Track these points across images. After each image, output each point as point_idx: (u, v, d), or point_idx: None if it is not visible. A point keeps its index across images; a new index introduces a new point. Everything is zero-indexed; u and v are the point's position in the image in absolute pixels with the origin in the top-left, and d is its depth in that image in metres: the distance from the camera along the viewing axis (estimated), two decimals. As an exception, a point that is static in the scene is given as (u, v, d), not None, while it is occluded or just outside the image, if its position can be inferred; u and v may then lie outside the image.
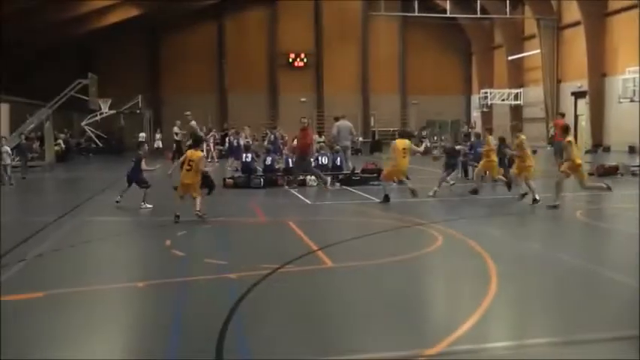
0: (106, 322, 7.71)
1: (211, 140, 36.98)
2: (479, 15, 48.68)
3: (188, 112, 33.31)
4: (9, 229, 13.68)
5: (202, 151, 15.78)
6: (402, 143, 17.77)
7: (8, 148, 23.59)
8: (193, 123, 32.43)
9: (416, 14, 47.73)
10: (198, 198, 14.42)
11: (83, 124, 47.03)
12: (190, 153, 14.63)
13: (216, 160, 35.47)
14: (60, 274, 10.26)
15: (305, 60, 57.87)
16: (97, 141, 47.70)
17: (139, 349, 6.77)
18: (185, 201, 14.54)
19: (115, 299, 8.73)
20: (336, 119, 26.54)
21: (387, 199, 17.31)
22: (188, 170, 14.34)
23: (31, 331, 7.22)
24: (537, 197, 16.19)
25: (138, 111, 48.28)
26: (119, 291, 9.11)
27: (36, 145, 36.38)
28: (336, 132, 25.63)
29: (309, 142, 22.32)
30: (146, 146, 14.97)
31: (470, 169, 23.75)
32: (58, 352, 6.64)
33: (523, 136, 17.48)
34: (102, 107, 44.40)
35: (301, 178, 21.88)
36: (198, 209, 14.27)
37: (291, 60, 57.82)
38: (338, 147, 25.25)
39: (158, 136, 47.36)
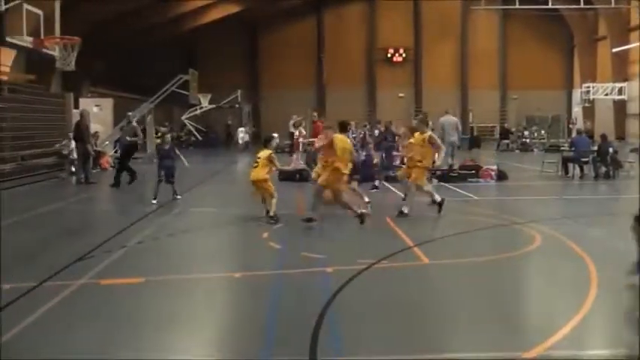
0: (202, 309, 7.89)
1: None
2: (582, 5, 47.18)
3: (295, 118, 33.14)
4: (112, 217, 14.11)
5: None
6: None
7: (74, 143, 23.63)
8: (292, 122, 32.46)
9: (517, 6, 46.61)
10: (271, 200, 14.01)
11: (183, 117, 47.96)
12: (261, 152, 14.43)
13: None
14: (159, 262, 10.56)
15: (404, 55, 57.51)
16: (197, 134, 48.54)
17: (234, 338, 6.88)
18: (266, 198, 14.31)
19: (212, 288, 8.92)
20: (417, 114, 26.27)
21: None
22: (255, 167, 14.23)
23: (131, 315, 7.46)
24: (438, 199, 14.80)
25: (237, 105, 48.93)
26: (216, 280, 9.30)
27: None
28: (441, 128, 25.25)
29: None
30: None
31: (570, 166, 23.06)
32: (156, 335, 6.82)
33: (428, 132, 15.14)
34: (202, 102, 45.13)
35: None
36: (270, 211, 13.93)
37: (389, 55, 57.53)
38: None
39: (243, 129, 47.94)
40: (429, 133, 15.03)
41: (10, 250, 11.34)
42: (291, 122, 36.29)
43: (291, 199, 17.39)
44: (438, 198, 14.79)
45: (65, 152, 24.52)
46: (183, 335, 6.96)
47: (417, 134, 14.90)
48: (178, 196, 17.16)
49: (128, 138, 21.81)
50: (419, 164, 14.62)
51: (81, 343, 6.61)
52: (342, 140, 13.07)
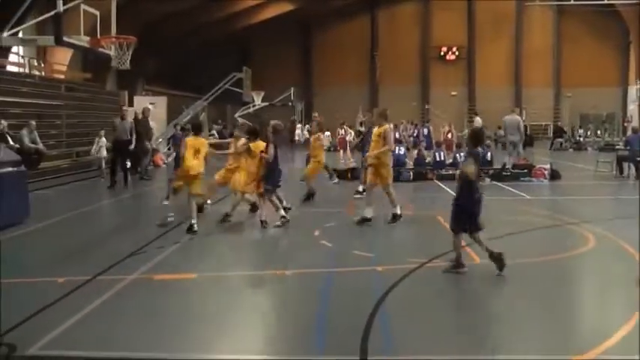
0: (253, 306, 7.94)
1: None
2: (638, 0, 46.29)
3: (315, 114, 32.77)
4: (164, 213, 14.28)
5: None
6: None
7: (105, 140, 23.25)
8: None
9: (571, 2, 45.96)
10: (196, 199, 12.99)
11: (236, 115, 48.32)
12: (254, 145, 13.48)
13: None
14: (211, 258, 10.69)
15: (457, 53, 57.20)
16: (251, 132, 48.79)
17: (284, 336, 6.92)
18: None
19: (263, 285, 9.00)
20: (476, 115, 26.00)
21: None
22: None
23: (183, 310, 7.57)
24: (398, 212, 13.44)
25: (290, 103, 49.09)
26: (267, 277, 9.36)
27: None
28: (503, 127, 25.00)
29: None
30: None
31: (625, 165, 22.63)
32: (206, 331, 6.88)
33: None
34: (255, 99, 45.36)
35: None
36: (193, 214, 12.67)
37: (442, 53, 57.28)
38: (488, 142, 24.79)
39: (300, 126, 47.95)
40: (385, 127, 13.46)
41: (65, 245, 11.60)
42: (358, 120, 36.22)
43: (341, 198, 17.42)
44: (369, 214, 13.28)
45: (96, 150, 23.54)
46: (234, 332, 7.03)
47: (375, 129, 13.79)
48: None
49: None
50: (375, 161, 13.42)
51: (132, 336, 6.73)
52: (255, 146, 13.34)
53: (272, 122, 13.67)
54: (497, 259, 8.97)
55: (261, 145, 13.33)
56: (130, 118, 22.76)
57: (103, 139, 23.14)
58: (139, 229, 11.11)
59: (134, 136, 21.70)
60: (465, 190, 9.30)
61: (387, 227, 13.03)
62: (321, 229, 12.56)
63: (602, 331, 6.74)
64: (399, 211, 13.34)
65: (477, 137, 9.94)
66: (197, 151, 12.62)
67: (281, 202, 13.63)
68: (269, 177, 12.97)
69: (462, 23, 57.18)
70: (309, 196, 16.59)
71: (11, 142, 18.99)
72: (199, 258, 10.64)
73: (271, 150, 12.78)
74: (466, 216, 9.24)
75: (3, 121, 19.67)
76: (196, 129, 13.30)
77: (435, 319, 7.34)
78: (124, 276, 8.93)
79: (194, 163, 12.54)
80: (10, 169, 13.51)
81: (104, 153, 23.08)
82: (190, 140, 12.81)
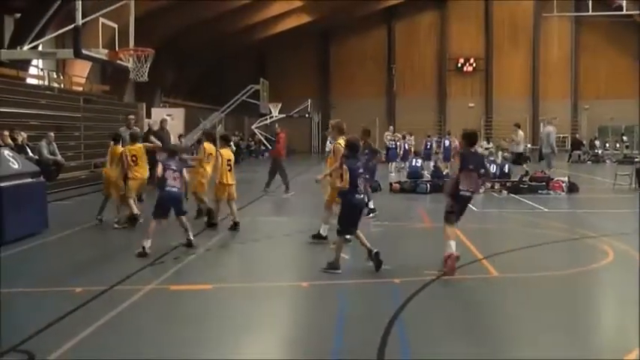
0: (268, 318, 7.95)
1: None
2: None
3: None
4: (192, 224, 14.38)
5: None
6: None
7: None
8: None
9: (590, 13, 45.70)
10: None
11: (253, 127, 48.47)
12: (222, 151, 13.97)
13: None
14: (227, 269, 10.78)
15: (474, 65, 57.09)
16: (267, 143, 48.91)
17: (300, 347, 6.92)
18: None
19: (279, 297, 8.98)
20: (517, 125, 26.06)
21: None
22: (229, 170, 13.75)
23: (198, 320, 7.58)
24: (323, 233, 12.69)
25: (307, 115, 49.16)
26: (283, 289, 9.37)
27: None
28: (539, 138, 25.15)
29: (282, 146, 22.41)
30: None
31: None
32: (220, 342, 6.92)
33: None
34: (272, 111, 45.48)
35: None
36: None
37: (460, 65, 57.18)
38: (507, 154, 24.77)
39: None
40: (339, 141, 12.31)
41: (83, 255, 11.66)
42: (387, 134, 36.00)
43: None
44: (324, 232, 12.58)
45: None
46: (247, 342, 7.04)
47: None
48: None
49: None
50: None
51: (147, 346, 6.77)
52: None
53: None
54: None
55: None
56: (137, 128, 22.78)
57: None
58: (156, 239, 11.13)
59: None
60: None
61: (404, 240, 13.03)
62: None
63: (621, 347, 6.71)
64: (322, 232, 12.52)
65: (352, 147, 10.37)
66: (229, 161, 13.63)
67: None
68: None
69: (479, 35, 57.10)
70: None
71: (30, 154, 19.15)
72: (215, 269, 10.70)
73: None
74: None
75: (22, 133, 19.85)
76: (226, 140, 14.70)
77: (452, 331, 7.33)
78: (141, 286, 8.97)
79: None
80: (30, 180, 13.61)
81: None
82: (224, 151, 13.72)
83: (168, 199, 11.49)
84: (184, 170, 11.69)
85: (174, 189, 11.47)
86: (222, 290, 9.12)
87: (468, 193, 10.15)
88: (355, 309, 8.21)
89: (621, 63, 55.90)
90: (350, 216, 10.08)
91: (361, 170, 10.24)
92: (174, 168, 11.50)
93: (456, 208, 10.21)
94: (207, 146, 14.98)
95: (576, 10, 49.98)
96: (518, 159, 26.28)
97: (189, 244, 11.61)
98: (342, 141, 11.98)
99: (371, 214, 15.14)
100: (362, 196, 10.24)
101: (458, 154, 10.65)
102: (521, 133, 27.45)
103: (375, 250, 9.94)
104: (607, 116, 53.06)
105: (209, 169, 14.55)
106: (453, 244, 9.93)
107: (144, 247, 11.01)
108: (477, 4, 56.34)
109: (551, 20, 52.32)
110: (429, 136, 34.66)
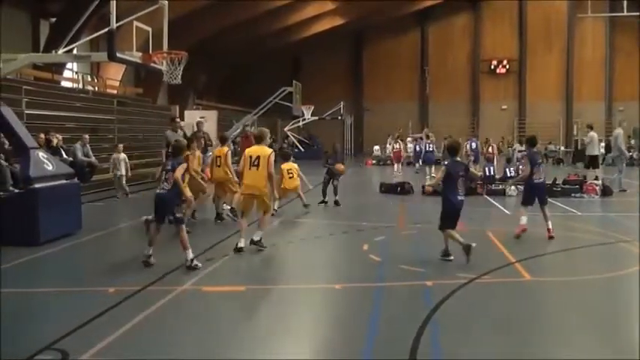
0: (300, 320, 7.95)
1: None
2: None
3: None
4: (215, 226, 14.40)
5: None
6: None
7: (125, 157, 21.67)
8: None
9: (625, 14, 45.13)
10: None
11: (286, 129, 48.56)
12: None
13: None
14: (260, 271, 10.76)
15: (507, 66, 56.71)
16: (300, 146, 48.96)
17: (332, 350, 6.89)
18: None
19: (312, 299, 8.97)
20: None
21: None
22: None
23: (230, 322, 7.60)
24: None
25: (339, 117, 49.14)
26: (316, 291, 9.34)
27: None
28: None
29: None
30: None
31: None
32: (251, 344, 6.90)
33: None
34: (305, 113, 45.51)
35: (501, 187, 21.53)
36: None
37: (493, 67, 56.85)
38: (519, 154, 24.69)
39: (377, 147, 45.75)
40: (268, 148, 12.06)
41: (116, 256, 11.75)
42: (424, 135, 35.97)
43: (393, 212, 17.40)
44: (257, 238, 11.96)
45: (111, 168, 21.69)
46: (279, 344, 7.03)
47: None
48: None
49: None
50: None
51: (179, 346, 6.80)
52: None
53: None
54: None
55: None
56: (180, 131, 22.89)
57: (122, 154, 21.53)
58: (189, 241, 11.15)
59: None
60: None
61: (436, 243, 12.91)
62: (370, 244, 12.53)
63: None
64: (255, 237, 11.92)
65: (452, 149, 11.67)
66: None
67: None
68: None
69: (512, 36, 56.74)
70: None
71: (65, 156, 19.35)
72: (248, 271, 10.71)
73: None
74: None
75: (58, 135, 20.06)
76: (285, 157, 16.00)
77: (484, 335, 7.27)
78: (174, 287, 9.01)
79: None
80: (64, 181, 13.77)
81: (122, 171, 21.25)
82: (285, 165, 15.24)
83: (155, 201, 10.73)
84: (180, 169, 10.49)
85: (162, 190, 10.64)
86: (254, 292, 9.13)
87: (540, 181, 13.48)
88: (387, 311, 8.18)
89: (657, 64, 55.03)
90: (450, 214, 11.04)
91: (462, 173, 11.06)
92: (168, 167, 10.71)
93: (531, 195, 13.55)
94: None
95: (611, 11, 49.47)
96: (592, 162, 25.20)
97: (188, 266, 10.25)
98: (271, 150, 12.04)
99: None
100: (462, 197, 11.19)
101: (526, 157, 13.93)
102: (593, 134, 25.83)
103: (473, 245, 10.73)
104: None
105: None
106: (524, 218, 13.29)
107: (146, 255, 10.58)
108: (510, 4, 56.05)
109: (586, 21, 51.78)
110: (468, 139, 34.37)
